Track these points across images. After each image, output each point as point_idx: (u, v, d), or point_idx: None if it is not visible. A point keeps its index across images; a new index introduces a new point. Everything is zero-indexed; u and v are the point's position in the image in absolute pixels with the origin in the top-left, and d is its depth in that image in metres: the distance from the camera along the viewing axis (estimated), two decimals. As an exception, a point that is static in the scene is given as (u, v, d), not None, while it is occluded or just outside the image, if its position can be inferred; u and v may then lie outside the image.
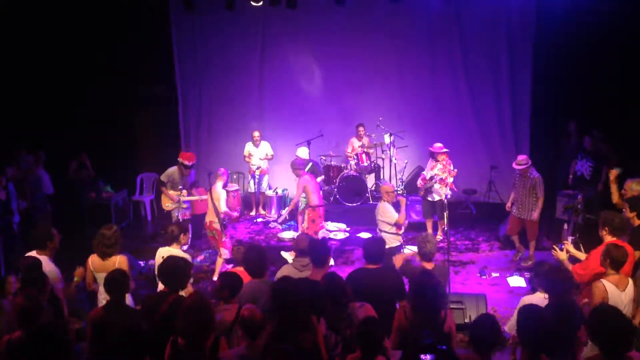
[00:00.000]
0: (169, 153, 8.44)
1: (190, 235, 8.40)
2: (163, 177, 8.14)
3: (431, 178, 8.43)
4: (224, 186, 7.54)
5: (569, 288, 4.13)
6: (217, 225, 7.28)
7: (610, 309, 3.54)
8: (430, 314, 3.92)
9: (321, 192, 8.22)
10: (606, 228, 4.89)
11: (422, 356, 3.16)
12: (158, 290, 5.08)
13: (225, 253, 7.23)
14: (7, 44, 9.31)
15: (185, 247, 8.12)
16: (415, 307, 4.02)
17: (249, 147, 10.32)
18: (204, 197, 8.55)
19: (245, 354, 3.53)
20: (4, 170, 8.11)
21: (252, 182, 10.39)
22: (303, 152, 9.44)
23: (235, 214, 7.53)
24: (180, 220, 7.90)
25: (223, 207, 7.24)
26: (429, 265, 4.90)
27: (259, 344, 3.53)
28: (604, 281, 4.32)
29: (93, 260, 5.11)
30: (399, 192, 9.44)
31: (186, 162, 8.08)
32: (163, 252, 5.35)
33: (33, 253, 5.09)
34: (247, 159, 10.37)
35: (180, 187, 8.10)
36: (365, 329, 3.47)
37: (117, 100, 10.68)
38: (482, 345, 3.46)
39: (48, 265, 4.99)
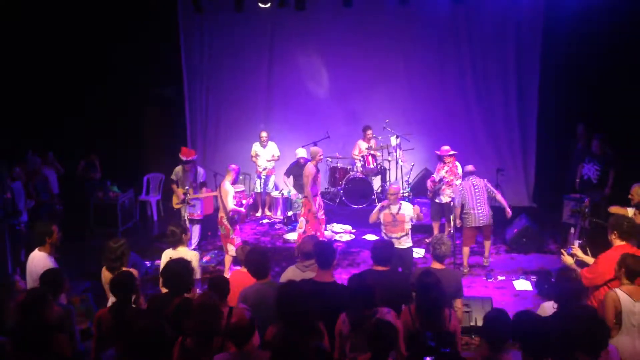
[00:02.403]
0: (175, 154, 8.46)
1: (198, 235, 8.53)
2: (172, 176, 8.28)
3: (440, 180, 8.42)
4: (233, 182, 7.56)
5: (579, 295, 4.07)
6: (226, 222, 7.33)
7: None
8: (433, 313, 3.91)
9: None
10: (615, 232, 4.84)
11: (425, 358, 3.16)
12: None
13: (231, 250, 7.26)
14: (17, 44, 9.36)
15: (193, 247, 8.21)
16: (419, 307, 4.02)
17: (256, 147, 10.34)
18: (210, 194, 8.57)
19: None
20: (12, 170, 8.15)
21: (258, 182, 10.40)
22: (302, 152, 9.61)
23: (243, 209, 7.51)
24: (188, 219, 7.95)
25: (230, 205, 7.27)
26: (439, 267, 4.89)
27: (246, 351, 3.46)
28: (617, 290, 4.24)
29: (104, 273, 5.05)
30: (404, 194, 9.46)
31: (182, 157, 8.12)
32: (171, 254, 5.33)
33: (36, 250, 5.13)
34: (254, 159, 10.39)
35: (187, 186, 8.12)
36: (378, 332, 3.44)
37: (125, 100, 10.72)
38: (495, 340, 3.43)
39: (45, 260, 5.00)
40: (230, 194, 7.33)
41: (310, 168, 8.11)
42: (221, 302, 4.07)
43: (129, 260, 5.08)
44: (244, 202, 7.61)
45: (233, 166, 7.67)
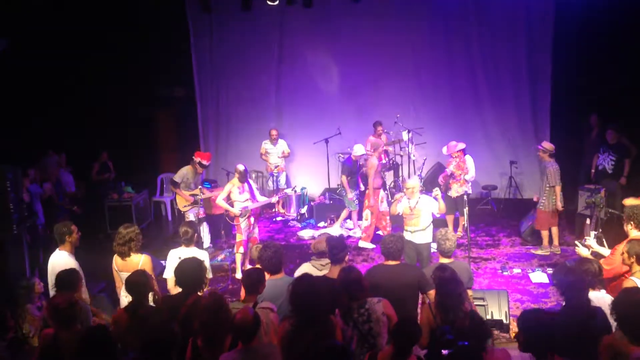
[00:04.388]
0: (188, 153, 8.50)
1: (209, 233, 8.56)
2: (176, 178, 8.15)
3: (452, 174, 8.39)
4: (244, 180, 7.55)
5: (583, 289, 3.95)
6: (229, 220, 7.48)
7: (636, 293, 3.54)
8: (452, 307, 3.91)
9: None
10: (631, 222, 4.80)
11: (444, 351, 3.16)
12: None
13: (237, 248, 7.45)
14: (30, 46, 9.43)
15: (206, 246, 8.24)
16: (439, 303, 4.01)
17: (265, 145, 10.36)
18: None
19: (240, 358, 3.46)
20: (27, 172, 8.24)
21: (270, 180, 10.42)
22: (361, 149, 9.02)
23: (237, 211, 7.41)
24: (198, 218, 7.96)
25: (218, 199, 7.35)
26: (447, 261, 4.87)
27: (254, 347, 3.48)
28: (634, 278, 4.24)
29: (116, 260, 5.16)
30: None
31: (204, 162, 8.14)
32: (180, 253, 5.37)
33: (57, 250, 5.18)
34: (263, 157, 10.40)
35: (199, 186, 8.11)
36: (403, 329, 3.49)
37: (137, 101, 10.79)
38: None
39: (67, 259, 5.05)
40: (224, 190, 7.44)
41: (373, 161, 8.24)
42: (251, 296, 4.09)
43: (139, 246, 5.14)
44: (251, 202, 7.60)
45: (238, 165, 7.59)
